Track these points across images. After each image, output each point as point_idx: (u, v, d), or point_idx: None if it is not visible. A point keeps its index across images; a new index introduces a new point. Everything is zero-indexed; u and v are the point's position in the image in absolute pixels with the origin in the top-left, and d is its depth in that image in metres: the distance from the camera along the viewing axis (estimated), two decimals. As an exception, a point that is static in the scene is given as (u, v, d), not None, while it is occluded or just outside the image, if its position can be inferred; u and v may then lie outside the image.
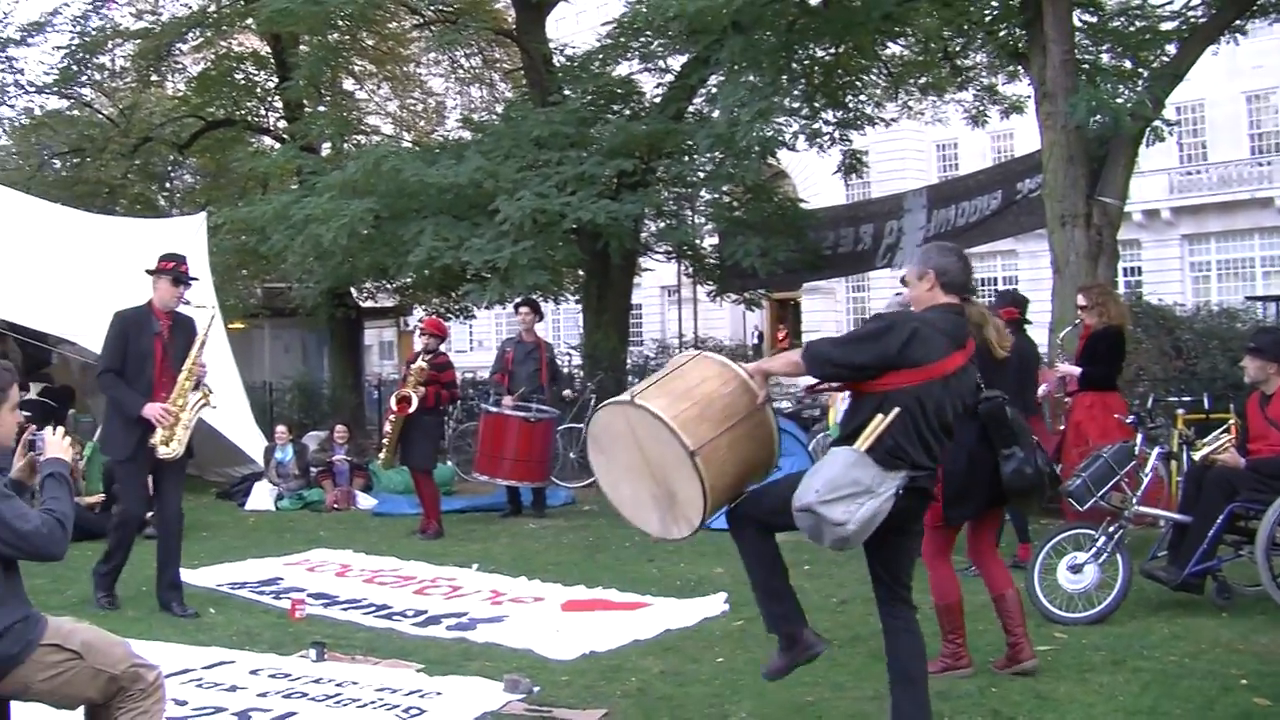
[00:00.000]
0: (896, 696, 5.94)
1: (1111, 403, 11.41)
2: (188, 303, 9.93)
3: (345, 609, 9.73)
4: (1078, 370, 11.46)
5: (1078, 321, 11.92)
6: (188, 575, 11.04)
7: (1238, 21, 16.53)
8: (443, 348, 14.92)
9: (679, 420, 5.81)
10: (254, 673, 7.56)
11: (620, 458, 6.19)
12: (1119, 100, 14.88)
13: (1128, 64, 17.36)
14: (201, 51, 29.59)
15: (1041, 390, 11.82)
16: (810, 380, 6.20)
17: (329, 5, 19.13)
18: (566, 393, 17.49)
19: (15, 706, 5.13)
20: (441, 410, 15.23)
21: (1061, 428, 11.91)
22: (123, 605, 9.91)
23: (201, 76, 28.68)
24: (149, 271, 10.05)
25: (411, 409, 13.95)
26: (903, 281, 6.43)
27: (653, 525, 6.18)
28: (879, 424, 5.66)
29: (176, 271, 9.92)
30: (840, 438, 5.93)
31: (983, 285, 49.76)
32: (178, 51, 29.34)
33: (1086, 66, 16.49)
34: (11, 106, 29.22)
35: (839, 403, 15.34)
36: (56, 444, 5.33)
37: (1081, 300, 11.85)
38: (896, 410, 5.68)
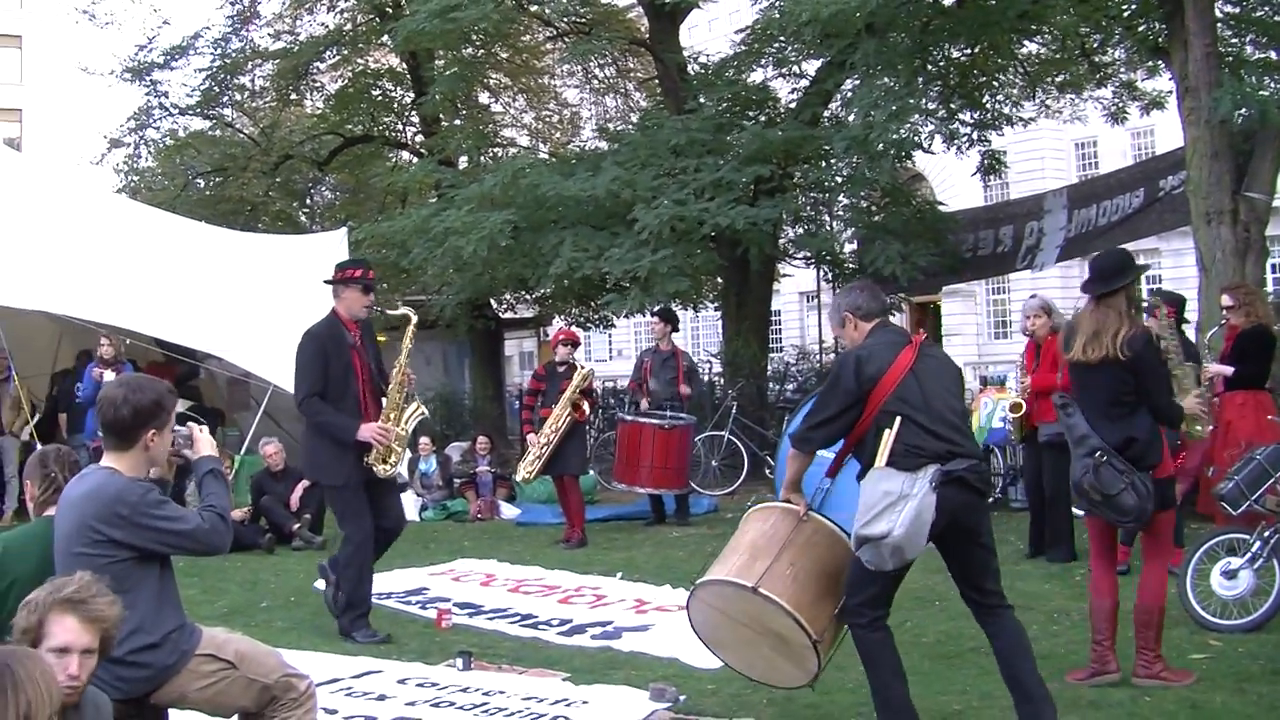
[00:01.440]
0: (1015, 699, 6.24)
1: (1264, 402, 11.22)
2: (378, 311, 9.76)
3: (491, 618, 9.79)
4: (1229, 370, 11.25)
5: (1224, 321, 11.70)
6: (334, 586, 11.22)
7: (1389, 7, 16.16)
8: (577, 356, 14.99)
9: (734, 571, 6.29)
10: (401, 682, 7.63)
11: (730, 637, 6.56)
12: (1265, 93, 14.59)
13: (1273, 55, 17.01)
14: (339, 70, 30.06)
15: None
16: (824, 462, 6.60)
17: (463, 22, 19.29)
18: (685, 388, 17.38)
19: (172, 714, 5.23)
20: (584, 419, 15.30)
21: (1211, 428, 11.69)
22: (272, 614, 10.05)
23: (339, 94, 29.14)
24: (329, 281, 9.74)
25: (587, 414, 14.10)
26: (839, 338, 6.96)
27: (796, 675, 6.43)
28: (887, 439, 6.02)
29: (365, 279, 9.53)
30: (858, 474, 6.24)
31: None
32: (316, 70, 29.82)
33: (1230, 59, 16.18)
34: (157, 129, 29.86)
35: (983, 404, 15.23)
36: (207, 441, 5.46)
37: (1227, 300, 11.64)
38: (898, 419, 6.05)
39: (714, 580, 6.35)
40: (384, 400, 9.39)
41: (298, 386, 9.34)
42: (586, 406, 14.22)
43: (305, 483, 14.31)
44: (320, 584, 11.26)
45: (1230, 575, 8.55)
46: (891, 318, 24.52)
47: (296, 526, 14.08)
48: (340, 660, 8.19)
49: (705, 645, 6.73)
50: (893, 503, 5.81)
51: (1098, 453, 6.99)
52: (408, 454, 17.36)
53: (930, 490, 5.86)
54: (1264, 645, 7.97)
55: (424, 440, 17.83)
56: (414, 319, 9.86)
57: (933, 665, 7.26)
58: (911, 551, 5.87)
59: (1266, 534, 8.56)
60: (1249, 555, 8.53)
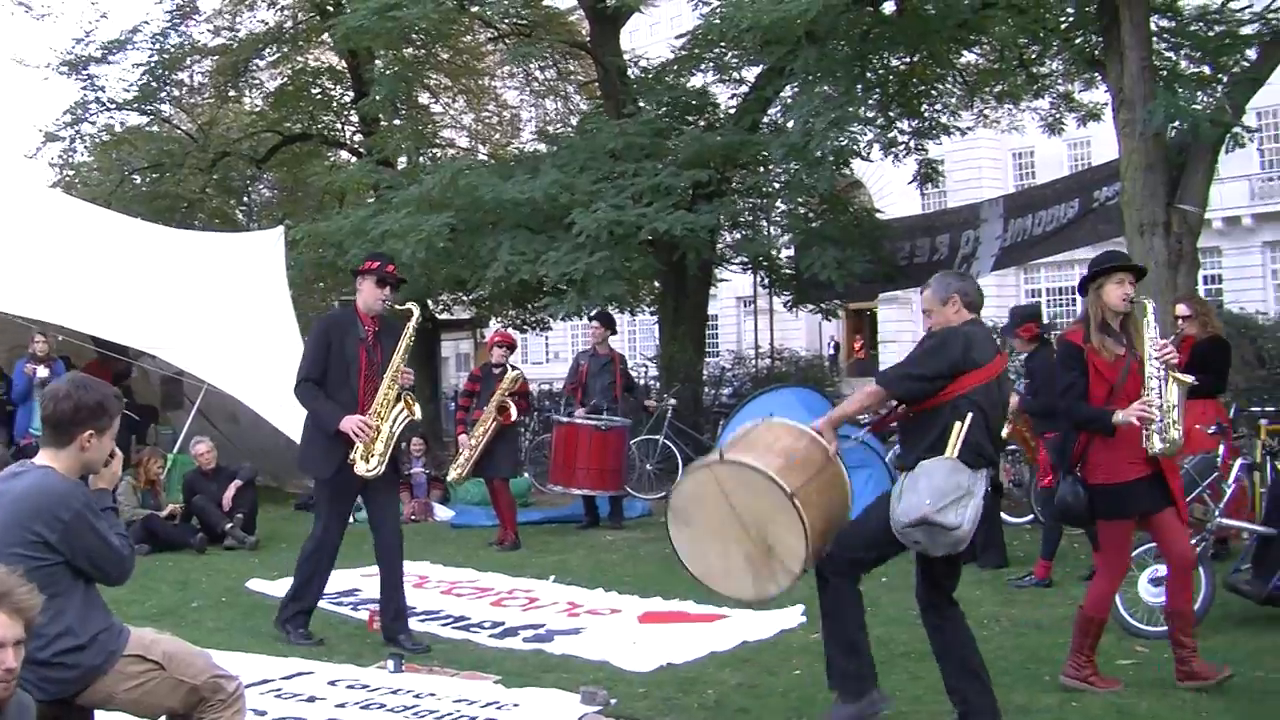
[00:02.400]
0: (965, 690, 6.32)
1: (1220, 411, 11.39)
2: (390, 307, 9.19)
3: (422, 620, 9.75)
4: (1191, 379, 11.34)
5: (1179, 332, 11.77)
6: (264, 586, 11.17)
7: (1320, 25, 16.34)
8: (514, 358, 14.98)
9: (774, 468, 6.05)
10: (332, 683, 7.59)
11: (708, 522, 6.27)
12: (1198, 107, 14.74)
13: (1206, 69, 17.18)
14: (278, 67, 29.94)
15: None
16: (870, 418, 6.52)
17: (404, 21, 19.25)
18: (649, 402, 17.57)
19: (98, 715, 5.19)
20: (518, 421, 15.29)
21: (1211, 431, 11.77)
22: (202, 615, 9.99)
23: (278, 92, 29.04)
24: (354, 272, 9.54)
25: (513, 418, 14.06)
26: (925, 312, 6.77)
27: (746, 589, 6.33)
28: (960, 429, 6.11)
29: (382, 272, 9.08)
30: (917, 455, 6.23)
31: (1061, 294, 49.54)
32: (255, 67, 29.71)
33: (1165, 72, 16.34)
34: (93, 123, 29.62)
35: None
36: (109, 474, 5.37)
37: (1184, 310, 11.74)
38: (970, 415, 6.14)
39: (750, 465, 6.11)
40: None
41: (299, 370, 9.13)
42: (514, 410, 14.17)
43: (238, 482, 14.24)
44: (255, 584, 11.26)
45: (1157, 583, 8.61)
46: (828, 323, 24.65)
47: (229, 526, 13.98)
48: (271, 661, 8.14)
49: (671, 514, 6.48)
50: (961, 496, 5.96)
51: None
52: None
53: (985, 493, 6.13)
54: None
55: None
56: (416, 313, 9.45)
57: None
58: (962, 546, 6.07)
59: (1193, 541, 8.64)
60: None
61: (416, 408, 9.12)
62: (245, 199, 33.42)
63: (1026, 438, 11.68)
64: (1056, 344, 7.33)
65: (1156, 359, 7.18)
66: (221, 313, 17.14)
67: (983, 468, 6.16)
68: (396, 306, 9.20)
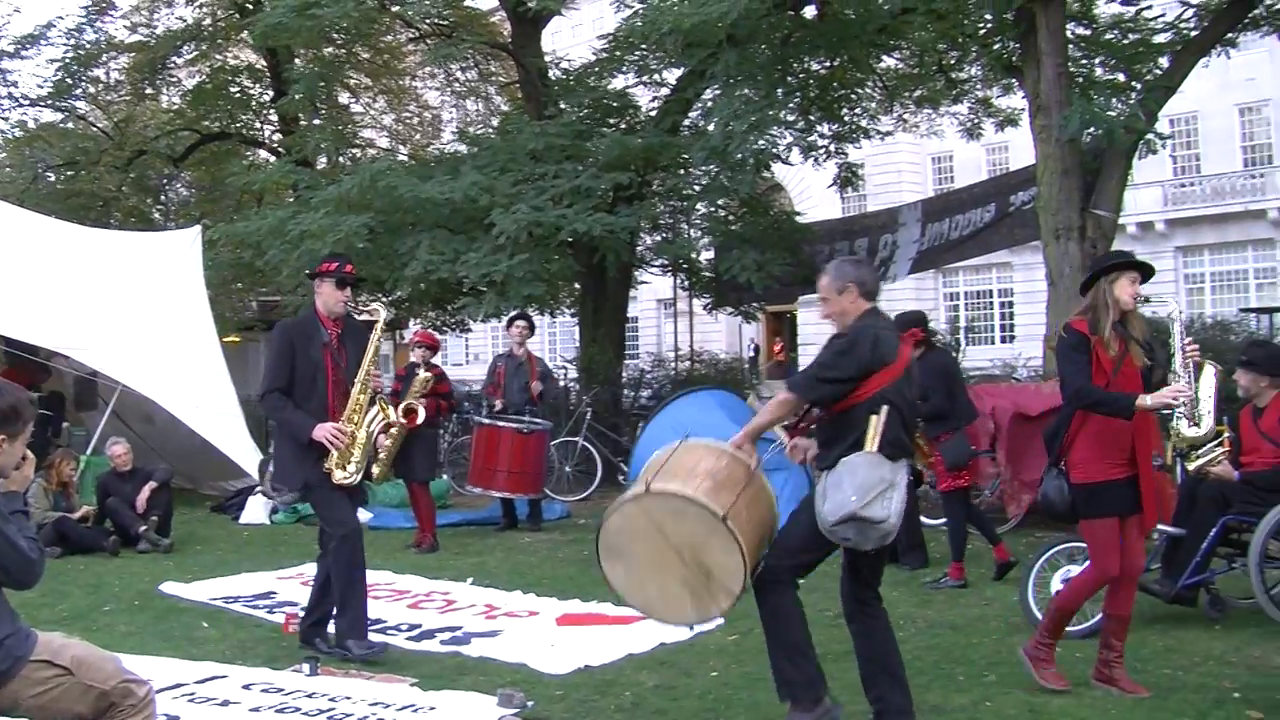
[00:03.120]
0: (882, 689, 6.37)
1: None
2: (354, 310, 8.86)
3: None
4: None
5: None
6: (178, 589, 11.06)
7: (1229, 35, 16.61)
8: (436, 360, 14.89)
9: (701, 492, 6.05)
10: (246, 687, 7.52)
11: (642, 555, 6.25)
12: (1112, 113, 14.92)
13: (1121, 77, 17.40)
14: (197, 65, 29.72)
15: None
16: (788, 421, 6.52)
17: (324, 19, 19.15)
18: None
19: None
20: (438, 423, 15.22)
21: None
22: (114, 618, 9.88)
23: (196, 90, 28.81)
24: (309, 275, 9.20)
25: (419, 421, 13.95)
26: (822, 300, 6.67)
27: (688, 613, 6.35)
28: (877, 424, 6.11)
29: (341, 273, 8.68)
30: (836, 454, 6.20)
31: (979, 298, 49.93)
32: (173, 65, 29.50)
33: (1080, 79, 16.53)
34: (5, 119, 29.35)
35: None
36: (20, 478, 5.27)
37: None
38: (886, 407, 6.15)
39: (677, 494, 6.08)
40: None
41: (262, 380, 8.85)
42: (422, 412, 14.07)
43: (153, 484, 14.09)
44: (169, 587, 11.14)
45: (1069, 583, 8.72)
46: (748, 325, 24.76)
47: (143, 529, 13.83)
48: (184, 665, 8.06)
49: (602, 551, 6.35)
50: (885, 489, 5.97)
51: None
52: (258, 456, 17.21)
53: (906, 484, 6.16)
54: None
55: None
56: (383, 316, 9.07)
57: (758, 664, 7.26)
58: (891, 537, 6.10)
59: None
60: (1088, 564, 8.69)
61: (392, 411, 8.90)
62: (162, 198, 33.13)
63: (920, 444, 11.66)
64: (1063, 330, 7.24)
65: (1183, 350, 7.31)
66: (137, 313, 16.98)
67: (902, 459, 6.20)
68: (362, 308, 8.95)
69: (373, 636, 8.62)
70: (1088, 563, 7.73)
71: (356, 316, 8.89)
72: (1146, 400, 6.93)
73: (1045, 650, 7.38)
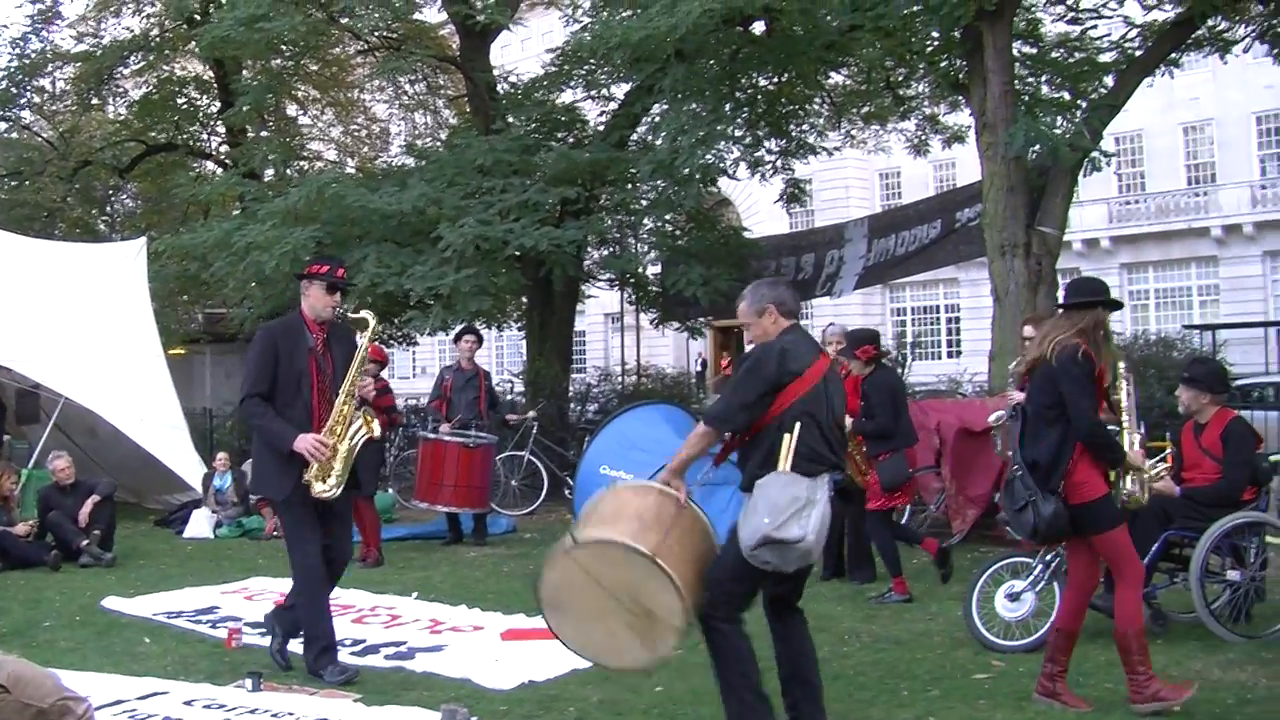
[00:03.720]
0: (798, 698, 6.39)
1: None
2: (342, 315, 8.58)
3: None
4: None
5: (1024, 354, 11.97)
6: (120, 605, 10.97)
7: (1173, 55, 16.76)
8: (383, 374, 14.84)
9: (628, 535, 6.02)
10: (188, 703, 7.47)
11: (583, 606, 6.24)
12: (1057, 131, 15.02)
13: (1066, 95, 17.53)
14: (143, 75, 29.52)
15: (996, 416, 11.90)
16: (716, 450, 6.49)
17: (272, 32, 19.08)
18: (511, 417, 17.51)
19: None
20: (383, 436, 15.18)
21: (1010, 453, 11.96)
22: (55, 634, 9.80)
23: (143, 100, 28.62)
24: (298, 276, 8.80)
25: (376, 434, 13.90)
26: (745, 328, 6.67)
27: (638, 657, 6.28)
28: (789, 441, 6.08)
29: (331, 277, 8.32)
30: (751, 476, 6.20)
31: (926, 313, 50.17)
32: (119, 75, 29.26)
33: (1026, 97, 16.64)
34: (-52, 128, 29.08)
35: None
36: None
37: (1030, 331, 11.92)
38: (799, 425, 6.12)
39: (605, 540, 6.08)
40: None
41: (242, 384, 8.47)
42: (377, 426, 14.02)
43: (96, 497, 13.97)
44: (111, 602, 11.06)
45: (1013, 598, 8.77)
46: (694, 341, 24.74)
47: (85, 543, 13.71)
48: (125, 681, 7.99)
49: (544, 606, 6.35)
50: (801, 508, 5.90)
51: (1015, 466, 7.19)
52: (202, 470, 17.13)
53: (828, 499, 6.10)
54: (1043, 664, 8.18)
55: (220, 456, 17.53)
56: (372, 323, 8.55)
57: (704, 679, 7.25)
58: (815, 556, 6.08)
59: (1048, 557, 8.79)
60: (1031, 578, 8.76)
61: (376, 424, 8.46)
62: (108, 209, 32.96)
63: (857, 460, 11.64)
64: (1078, 356, 7.07)
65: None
66: (80, 325, 16.87)
67: (823, 473, 6.14)
68: (350, 315, 8.68)
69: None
70: (1062, 588, 7.80)
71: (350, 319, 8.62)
72: (1130, 455, 7.12)
73: (1147, 677, 7.12)
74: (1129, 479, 7.38)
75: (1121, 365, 7.59)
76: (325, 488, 8.06)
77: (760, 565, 5.99)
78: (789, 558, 5.93)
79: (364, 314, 8.61)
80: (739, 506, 6.36)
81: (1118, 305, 7.47)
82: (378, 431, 8.44)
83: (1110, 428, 7.46)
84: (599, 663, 6.52)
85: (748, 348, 6.72)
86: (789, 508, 5.89)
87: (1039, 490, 7.06)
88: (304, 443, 7.94)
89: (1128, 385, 7.58)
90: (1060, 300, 7.52)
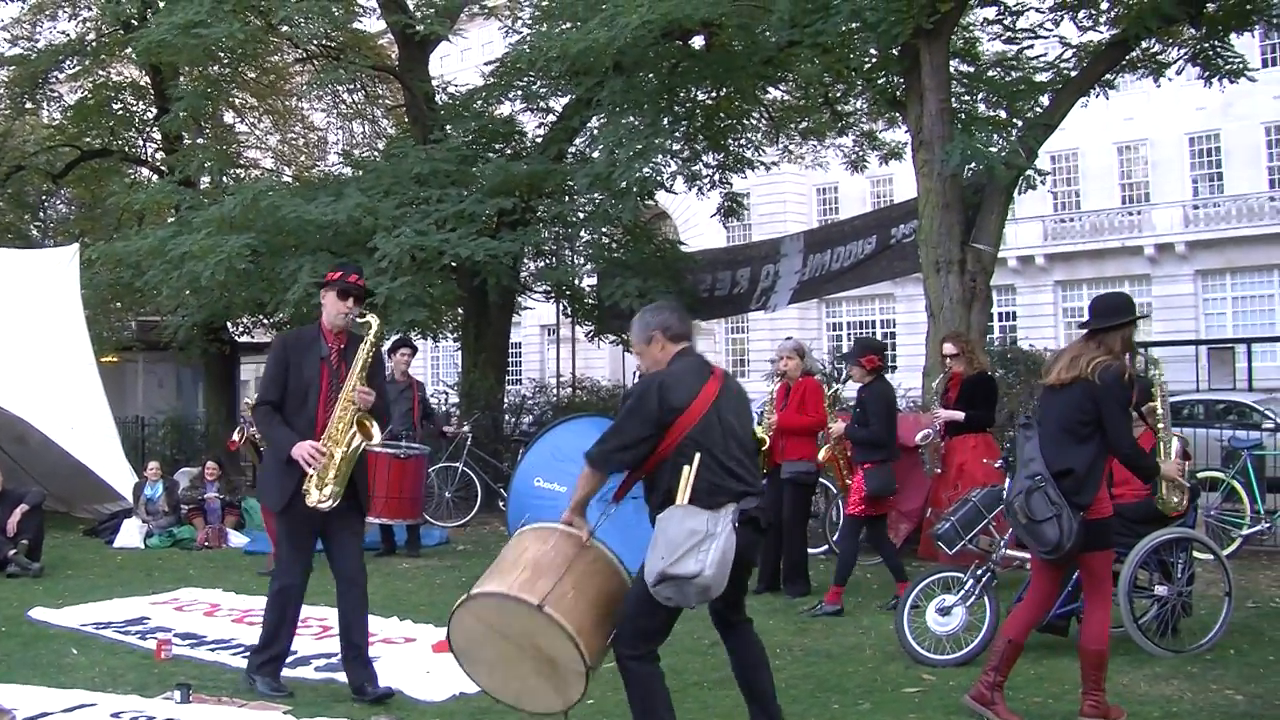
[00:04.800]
0: (754, 710, 6.42)
1: (991, 444, 11.76)
2: (354, 321, 8.15)
3: (213, 649, 9.58)
4: (960, 415, 11.65)
5: (946, 370, 12.09)
6: (48, 615, 10.87)
7: (1108, 75, 16.90)
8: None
9: (516, 587, 6.01)
10: (115, 715, 7.41)
11: (491, 655, 6.27)
12: (993, 149, 15.12)
13: (1002, 114, 17.66)
14: (79, 80, 29.26)
15: (923, 435, 11.98)
16: (612, 485, 6.43)
17: (209, 39, 18.97)
18: (447, 428, 17.46)
19: None
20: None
21: (939, 470, 12.06)
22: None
23: (78, 105, 28.35)
24: (316, 285, 8.73)
25: (374, 440, 13.82)
26: (636, 355, 6.60)
27: (553, 701, 6.26)
28: (687, 475, 5.98)
29: (343, 283, 8.13)
30: (653, 512, 6.15)
31: (862, 328, 50.38)
32: (54, 79, 29.00)
33: (963, 115, 16.76)
34: (-122, 132, 28.74)
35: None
36: None
37: (951, 349, 12.07)
38: (697, 457, 6.01)
39: (494, 593, 6.07)
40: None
41: (257, 393, 8.43)
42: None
43: (24, 506, 13.83)
44: (38, 612, 10.96)
45: (945, 612, 8.83)
46: (629, 354, 24.68)
47: (12, 552, 13.57)
48: (51, 693, 7.91)
49: (458, 657, 6.39)
50: (699, 542, 5.79)
51: (1037, 476, 7.08)
52: (134, 479, 16.99)
53: (732, 531, 5.88)
54: (973, 678, 8.18)
55: (152, 465, 17.41)
56: (375, 324, 8.14)
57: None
58: (716, 590, 5.85)
59: (979, 572, 8.86)
60: (962, 593, 8.82)
61: (376, 430, 7.99)
62: (40, 215, 32.69)
63: (840, 465, 11.78)
64: (1124, 379, 7.05)
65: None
66: (10, 332, 16.73)
67: (724, 506, 5.98)
68: (357, 319, 8.17)
69: (244, 662, 8.51)
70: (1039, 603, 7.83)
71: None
72: (1165, 469, 7.11)
73: (1102, 704, 7.21)
74: (1165, 489, 7.38)
75: (1156, 372, 7.61)
76: (320, 497, 7.78)
77: (664, 601, 5.92)
78: (688, 593, 5.82)
79: (368, 317, 8.19)
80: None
81: (1141, 318, 7.44)
82: (377, 438, 8.02)
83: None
84: (519, 707, 6.46)
85: (636, 378, 6.66)
86: (685, 542, 5.79)
87: (1067, 502, 7.04)
88: (300, 449, 7.74)
89: (1162, 394, 7.56)
90: (1086, 320, 7.40)
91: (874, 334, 49.96)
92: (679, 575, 5.76)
